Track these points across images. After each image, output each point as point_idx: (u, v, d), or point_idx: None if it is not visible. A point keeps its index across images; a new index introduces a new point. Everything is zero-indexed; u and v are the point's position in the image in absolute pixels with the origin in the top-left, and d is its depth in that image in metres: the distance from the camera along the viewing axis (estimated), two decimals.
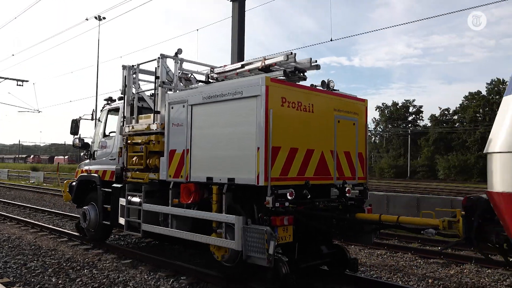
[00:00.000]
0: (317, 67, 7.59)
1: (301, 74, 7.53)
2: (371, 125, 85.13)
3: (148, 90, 10.13)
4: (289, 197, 7.04)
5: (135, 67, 9.95)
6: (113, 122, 11.08)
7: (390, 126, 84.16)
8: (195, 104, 8.10)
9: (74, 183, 11.97)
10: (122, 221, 9.81)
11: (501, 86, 64.62)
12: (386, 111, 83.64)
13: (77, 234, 12.07)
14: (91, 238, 11.16)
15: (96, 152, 11.27)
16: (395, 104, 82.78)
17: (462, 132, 70.07)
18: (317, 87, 8.00)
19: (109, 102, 11.26)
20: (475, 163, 61.78)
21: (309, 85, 7.99)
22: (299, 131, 7.45)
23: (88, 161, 11.59)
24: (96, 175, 10.94)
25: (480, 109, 70.11)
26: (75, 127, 11.39)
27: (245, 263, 7.28)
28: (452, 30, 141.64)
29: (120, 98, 11.20)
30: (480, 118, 69.47)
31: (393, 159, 76.57)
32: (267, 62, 7.56)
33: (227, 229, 7.44)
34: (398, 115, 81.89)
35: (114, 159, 10.45)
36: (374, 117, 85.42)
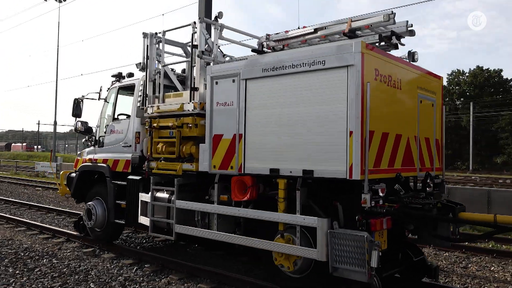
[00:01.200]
0: (412, 33, 6.17)
1: (398, 40, 6.10)
2: None
3: (180, 63, 8.46)
4: (380, 194, 5.65)
5: (159, 35, 8.22)
6: (126, 103, 9.33)
7: None
8: (251, 78, 6.52)
9: (73, 175, 10.15)
10: (144, 220, 8.16)
11: (460, 77, 65.21)
12: None
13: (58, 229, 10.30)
14: (97, 238, 9.43)
15: (103, 138, 9.49)
16: None
17: None
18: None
19: (119, 78, 9.45)
20: None
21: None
22: (389, 112, 6.04)
23: (92, 148, 9.78)
24: (104, 165, 9.18)
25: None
26: (77, 108, 9.52)
27: (314, 274, 5.91)
28: (415, 21, 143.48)
29: (129, 75, 9.43)
30: None
31: None
32: (358, 23, 6.05)
33: (302, 234, 5.98)
34: None
35: (129, 146, 8.73)
36: None
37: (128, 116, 9.11)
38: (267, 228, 6.54)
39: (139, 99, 8.67)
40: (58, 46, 37.69)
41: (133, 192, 8.46)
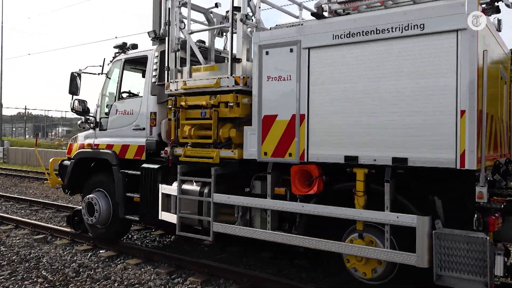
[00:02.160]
0: None
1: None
2: None
3: (215, 28, 7.17)
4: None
5: None
6: (133, 79, 7.95)
7: None
8: (317, 46, 5.38)
9: (66, 162, 8.67)
10: (168, 217, 6.91)
11: None
12: None
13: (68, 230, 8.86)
14: (98, 236, 8.09)
15: (105, 119, 8.09)
16: None
17: None
18: None
19: (124, 49, 8.01)
20: None
21: None
22: (489, 89, 5.09)
23: (91, 131, 8.34)
24: (108, 151, 7.80)
25: None
26: (73, 84, 8.00)
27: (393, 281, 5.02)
28: None
29: (133, 46, 8.04)
30: None
31: None
32: None
33: (392, 234, 4.97)
34: None
35: (142, 129, 7.39)
36: None
37: (134, 95, 7.77)
38: (326, 227, 5.53)
39: (153, 74, 7.31)
40: (1, 21, 34.59)
41: (150, 183, 7.17)
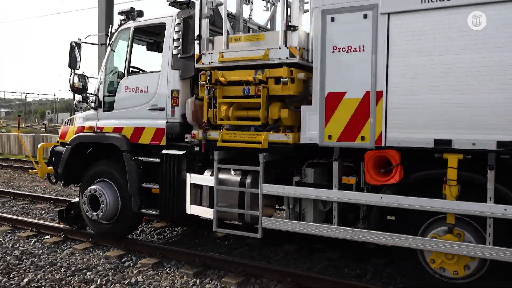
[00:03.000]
0: None
1: None
2: None
3: None
4: None
5: None
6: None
7: None
8: (399, 11, 4.61)
9: (59, 148, 7.48)
10: (199, 211, 6.00)
11: None
12: None
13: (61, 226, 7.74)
14: (102, 233, 7.03)
15: (110, 98, 6.99)
16: None
17: None
18: None
19: (132, 16, 6.87)
20: None
21: None
22: None
23: (92, 112, 7.20)
24: (117, 135, 6.73)
25: None
26: (74, 56, 6.79)
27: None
28: None
29: (139, 14, 6.93)
30: None
31: None
32: None
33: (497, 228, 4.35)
34: None
35: (161, 109, 6.38)
36: None
37: (141, 70, 6.73)
38: (398, 221, 4.91)
39: (175, 45, 6.28)
40: None
41: (173, 173, 6.21)
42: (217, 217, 5.75)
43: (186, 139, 6.16)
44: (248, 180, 5.65)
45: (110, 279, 5.68)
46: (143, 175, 6.53)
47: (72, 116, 7.66)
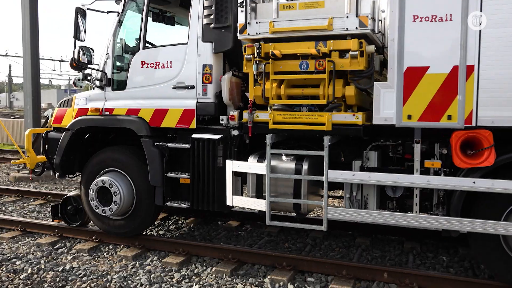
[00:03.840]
0: None
1: None
2: None
3: None
4: None
5: None
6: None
7: None
8: None
9: (55, 134, 6.46)
10: (245, 202, 5.35)
11: None
12: None
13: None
14: (114, 231, 6.20)
15: (121, 75, 6.08)
16: None
17: None
18: None
19: None
20: None
21: None
22: None
23: (97, 92, 6.21)
24: (133, 118, 5.86)
25: None
26: (77, 24, 5.74)
27: None
28: None
29: None
30: None
31: None
32: None
33: None
34: None
35: (190, 87, 5.57)
36: None
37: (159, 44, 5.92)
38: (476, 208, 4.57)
39: (205, 13, 5.46)
40: None
41: (208, 160, 5.47)
42: (270, 208, 5.12)
43: (221, 121, 5.44)
44: (305, 167, 5.07)
45: (42, 267, 5.44)
46: (168, 164, 5.73)
47: (69, 97, 6.59)
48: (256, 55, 4.97)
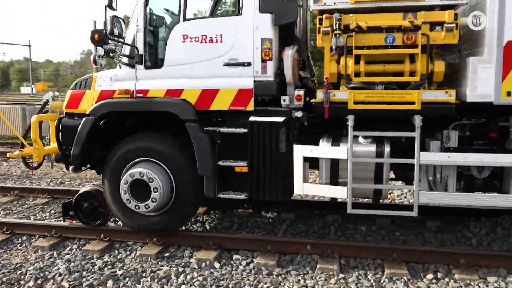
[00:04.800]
0: None
1: None
2: None
3: None
4: None
5: None
6: None
7: None
8: None
9: (71, 121, 5.46)
10: (319, 190, 4.90)
11: None
12: None
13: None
14: (149, 228, 5.39)
15: (154, 51, 5.24)
16: None
17: None
18: None
19: None
20: None
21: None
22: None
23: (125, 70, 5.29)
24: (174, 100, 5.06)
25: None
26: None
27: None
28: None
29: None
30: None
31: None
32: None
33: None
34: None
35: (246, 64, 4.88)
36: None
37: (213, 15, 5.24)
38: None
39: None
40: None
41: (270, 145, 4.85)
42: (352, 195, 4.66)
43: (283, 102, 4.86)
44: (387, 149, 4.69)
45: None
46: (219, 151, 5.03)
47: (86, 76, 5.52)
48: (336, 27, 4.43)
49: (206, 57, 4.99)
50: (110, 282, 4.53)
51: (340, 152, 4.66)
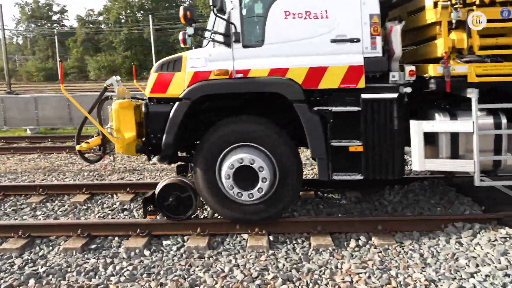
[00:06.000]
0: None
1: None
2: (10, 24, 73.91)
3: None
4: None
5: None
6: None
7: (33, 25, 73.54)
8: None
9: (158, 107, 5.19)
10: (442, 165, 5.04)
11: None
12: (27, 9, 73.30)
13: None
14: (248, 218, 5.19)
15: (257, 29, 5.18)
16: (36, 1, 73.15)
17: (108, 33, 69.34)
18: None
19: None
20: (122, 63, 63.04)
21: None
22: None
23: (220, 50, 5.05)
24: (280, 79, 4.95)
25: (122, 11, 70.94)
26: None
27: None
28: None
29: None
30: (123, 19, 70.62)
31: (41, 61, 68.61)
32: None
33: None
34: (41, 13, 72.29)
35: (355, 40, 4.90)
36: (13, 15, 74.12)
37: None
38: None
39: None
40: None
41: (385, 122, 4.90)
42: (479, 168, 4.84)
43: (392, 78, 4.90)
44: (504, 121, 4.94)
45: None
46: (332, 131, 4.97)
47: (173, 57, 5.18)
48: (456, 1, 4.62)
49: (311, 34, 4.91)
50: (31, 281, 4.26)
51: (466, 125, 4.81)
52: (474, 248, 4.63)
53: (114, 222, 5.40)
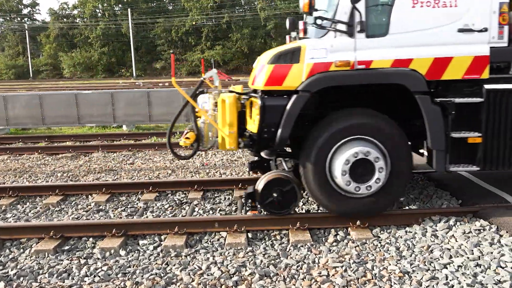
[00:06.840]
0: None
1: None
2: None
3: None
4: None
5: None
6: None
7: (1, 19, 71.19)
8: None
9: (274, 100, 4.96)
10: None
11: None
12: None
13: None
14: (360, 210, 5.10)
15: (381, 18, 4.98)
16: None
17: (83, 28, 67.56)
18: None
19: None
20: (99, 60, 61.76)
21: None
22: None
23: (342, 39, 4.87)
24: (404, 71, 4.82)
25: (99, 4, 69.04)
26: None
27: None
28: None
29: None
30: (100, 13, 68.78)
31: (11, 58, 66.53)
32: None
33: None
34: (10, 7, 69.73)
35: (482, 30, 4.82)
36: None
37: None
38: None
39: None
40: None
41: (506, 113, 4.86)
42: None
43: None
44: None
45: None
46: (453, 122, 4.90)
47: (290, 47, 4.97)
48: None
49: (438, 23, 4.78)
50: (1, 284, 4.12)
51: None
52: (449, 240, 4.69)
53: (88, 223, 5.27)
